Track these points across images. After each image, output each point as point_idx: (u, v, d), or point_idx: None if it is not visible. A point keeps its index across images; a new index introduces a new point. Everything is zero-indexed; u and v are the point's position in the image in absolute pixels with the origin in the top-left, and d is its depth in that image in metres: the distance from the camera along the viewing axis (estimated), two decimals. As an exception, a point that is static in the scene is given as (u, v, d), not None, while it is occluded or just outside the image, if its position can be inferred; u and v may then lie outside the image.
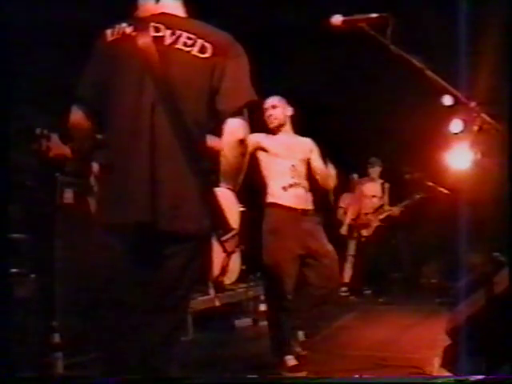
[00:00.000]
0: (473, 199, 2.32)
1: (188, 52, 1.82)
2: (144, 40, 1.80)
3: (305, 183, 3.68)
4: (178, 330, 1.91)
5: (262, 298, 5.65)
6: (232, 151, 1.86)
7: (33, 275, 3.16)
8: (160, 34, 1.83)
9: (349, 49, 5.33)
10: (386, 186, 6.99)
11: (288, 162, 3.62)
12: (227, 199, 1.88)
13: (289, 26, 5.57)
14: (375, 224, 6.76)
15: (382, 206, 6.64)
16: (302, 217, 3.58)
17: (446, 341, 2.60)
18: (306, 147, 3.78)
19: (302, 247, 3.54)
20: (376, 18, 1.78)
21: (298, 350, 3.63)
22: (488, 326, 2.17)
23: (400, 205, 6.54)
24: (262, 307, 5.54)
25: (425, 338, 4.25)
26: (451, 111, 5.53)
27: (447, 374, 2.65)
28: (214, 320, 4.69)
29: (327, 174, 3.78)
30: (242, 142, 1.87)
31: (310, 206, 3.67)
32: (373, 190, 6.93)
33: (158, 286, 1.81)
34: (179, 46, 1.82)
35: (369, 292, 6.90)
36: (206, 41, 1.83)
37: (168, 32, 1.83)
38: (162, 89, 1.78)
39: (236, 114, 1.85)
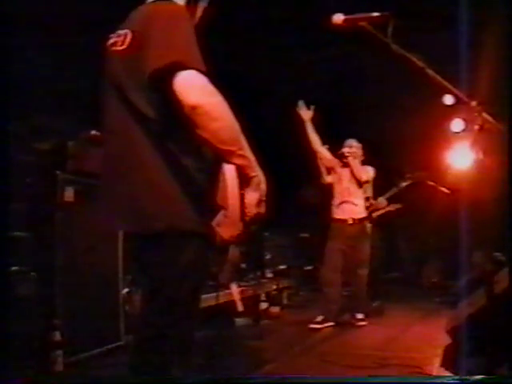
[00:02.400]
0: (474, 199, 2.32)
1: (116, 50, 1.76)
2: (104, 47, 1.83)
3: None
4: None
5: (263, 296, 5.67)
6: (197, 121, 1.60)
7: (33, 273, 3.16)
8: (111, 40, 1.81)
9: (349, 47, 5.34)
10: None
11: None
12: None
13: (288, 24, 5.57)
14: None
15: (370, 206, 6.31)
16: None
17: (446, 340, 2.60)
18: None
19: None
20: (377, 16, 1.78)
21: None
22: (488, 326, 2.16)
23: (384, 196, 6.21)
24: (263, 305, 5.54)
25: (425, 338, 4.26)
26: (452, 110, 5.54)
27: (447, 373, 2.65)
28: (214, 318, 4.70)
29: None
30: (194, 109, 1.58)
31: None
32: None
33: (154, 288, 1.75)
34: (114, 47, 1.78)
35: None
36: (128, 28, 1.74)
37: (114, 37, 1.81)
38: (118, 94, 1.73)
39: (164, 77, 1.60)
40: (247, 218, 1.71)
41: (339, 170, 5.38)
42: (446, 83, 1.78)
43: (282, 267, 6.78)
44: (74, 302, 3.41)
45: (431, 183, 6.39)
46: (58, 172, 3.39)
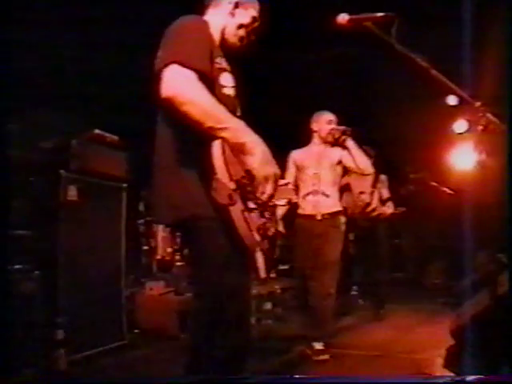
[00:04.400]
0: (477, 199, 2.31)
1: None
2: None
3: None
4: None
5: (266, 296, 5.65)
6: (174, 108, 1.70)
7: (37, 271, 3.17)
8: None
9: (351, 48, 5.33)
10: (383, 178, 5.96)
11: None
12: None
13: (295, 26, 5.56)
14: (363, 225, 6.00)
15: (368, 205, 5.78)
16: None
17: (449, 341, 2.60)
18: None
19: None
20: (381, 16, 1.78)
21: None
22: (491, 327, 2.16)
23: (388, 203, 6.05)
24: (268, 306, 5.53)
25: (428, 338, 4.25)
26: (455, 111, 5.53)
27: (450, 374, 2.65)
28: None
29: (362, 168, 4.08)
30: (168, 100, 1.69)
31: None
32: (360, 185, 5.81)
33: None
34: None
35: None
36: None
37: None
38: None
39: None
40: (258, 183, 1.73)
41: (303, 152, 4.23)
42: (450, 84, 1.78)
43: (284, 267, 6.77)
44: (78, 300, 3.42)
45: (434, 184, 6.37)
46: (61, 171, 3.40)
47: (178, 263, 5.07)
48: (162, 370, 3.33)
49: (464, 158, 5.30)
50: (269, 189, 1.72)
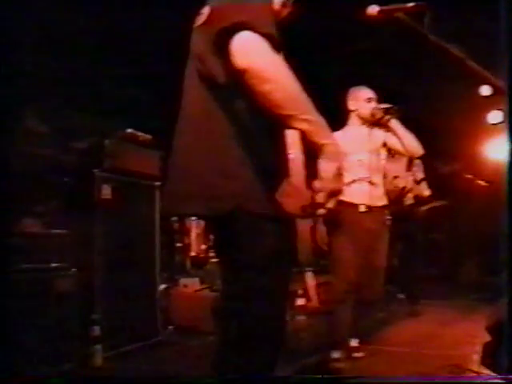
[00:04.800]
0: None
1: (197, 26, 1.67)
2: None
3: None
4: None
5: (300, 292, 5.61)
6: (251, 85, 1.47)
7: (73, 269, 3.23)
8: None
9: (383, 38, 5.24)
10: (417, 162, 5.61)
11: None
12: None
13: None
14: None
15: (403, 189, 5.46)
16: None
17: (485, 337, 2.55)
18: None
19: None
20: (413, 6, 1.72)
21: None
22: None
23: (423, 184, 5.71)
24: (300, 301, 5.48)
25: (463, 335, 4.18)
26: (490, 101, 5.40)
27: (487, 371, 2.59)
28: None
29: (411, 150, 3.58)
30: (245, 73, 1.47)
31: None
32: (394, 169, 5.36)
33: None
34: (196, 23, 1.68)
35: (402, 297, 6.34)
36: (208, 5, 1.64)
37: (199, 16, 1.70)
38: (197, 73, 1.65)
39: (224, 39, 1.50)
40: (322, 193, 1.49)
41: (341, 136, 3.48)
42: (485, 73, 1.73)
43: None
44: (113, 297, 3.47)
45: (469, 176, 6.23)
46: (95, 170, 3.45)
47: (213, 260, 5.10)
48: (196, 367, 3.35)
49: (499, 148, 5.18)
50: (330, 203, 1.51)
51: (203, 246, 5.11)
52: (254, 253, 1.57)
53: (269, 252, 1.57)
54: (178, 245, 5.25)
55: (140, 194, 3.90)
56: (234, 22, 1.48)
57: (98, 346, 3.25)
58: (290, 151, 1.47)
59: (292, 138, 1.48)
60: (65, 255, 3.20)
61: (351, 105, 3.62)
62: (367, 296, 3.50)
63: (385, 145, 3.63)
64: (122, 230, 3.66)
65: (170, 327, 4.31)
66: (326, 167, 1.49)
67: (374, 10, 1.85)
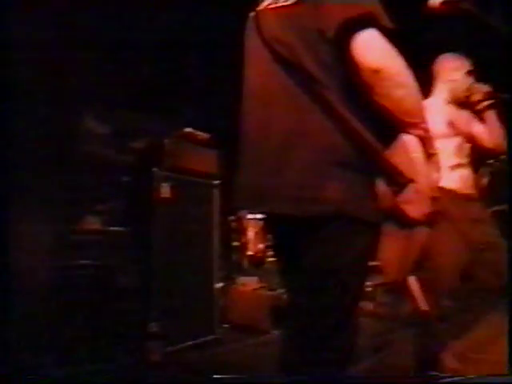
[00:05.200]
0: None
1: (276, 7, 1.57)
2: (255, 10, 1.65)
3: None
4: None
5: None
6: (379, 86, 1.40)
7: (132, 266, 3.28)
8: (265, 2, 1.62)
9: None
10: None
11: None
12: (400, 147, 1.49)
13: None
14: None
15: None
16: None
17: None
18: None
19: None
20: None
21: None
22: None
23: None
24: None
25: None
26: None
27: None
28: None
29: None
30: (376, 73, 1.38)
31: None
32: None
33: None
34: (271, 5, 1.58)
35: None
36: None
37: None
38: (276, 58, 1.54)
39: (348, 33, 1.38)
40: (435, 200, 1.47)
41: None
42: None
43: (374, 263, 6.54)
44: (171, 295, 3.51)
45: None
46: (154, 169, 3.50)
47: (270, 259, 5.08)
48: (253, 365, 3.34)
49: None
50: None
51: (261, 245, 5.09)
52: (343, 257, 1.47)
53: (359, 257, 1.50)
54: (236, 244, 5.26)
55: (198, 193, 3.92)
56: (359, 14, 1.37)
57: (156, 343, 3.30)
58: (413, 155, 1.45)
59: (413, 142, 1.46)
60: (124, 253, 3.26)
61: (442, 75, 3.08)
62: None
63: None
64: (180, 228, 3.69)
65: (227, 325, 4.33)
66: (429, 176, 1.48)
67: (435, 1, 1.75)
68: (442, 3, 1.72)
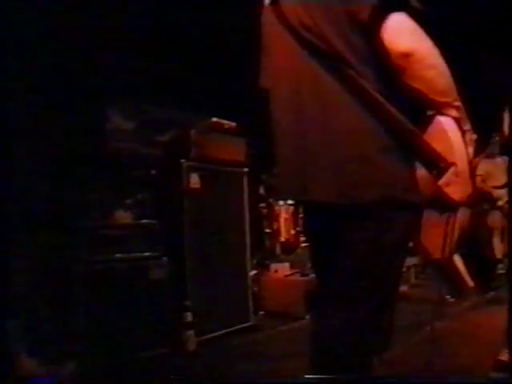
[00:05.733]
0: None
1: None
2: None
3: None
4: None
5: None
6: (412, 69, 1.41)
7: (165, 258, 3.33)
8: None
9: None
10: None
11: None
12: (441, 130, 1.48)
13: None
14: None
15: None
16: None
17: None
18: None
19: None
20: None
21: None
22: None
23: None
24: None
25: None
26: None
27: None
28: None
29: None
30: (407, 57, 1.39)
31: None
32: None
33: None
34: None
35: None
36: None
37: None
38: (304, 44, 1.51)
39: (379, 17, 1.39)
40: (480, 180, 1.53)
41: None
42: None
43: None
44: (205, 284, 3.56)
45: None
46: (182, 160, 3.52)
47: (303, 245, 5.07)
48: (288, 352, 3.35)
49: None
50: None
51: (292, 231, 5.09)
52: (390, 239, 1.48)
53: (404, 238, 1.54)
54: (267, 230, 5.27)
55: (228, 181, 3.94)
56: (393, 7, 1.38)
57: (191, 332, 3.35)
58: (451, 137, 1.46)
59: (449, 124, 1.47)
60: (156, 244, 3.30)
61: None
62: None
63: None
64: (211, 217, 3.72)
65: (261, 312, 4.36)
66: (468, 157, 1.48)
67: None
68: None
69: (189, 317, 3.36)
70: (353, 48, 1.45)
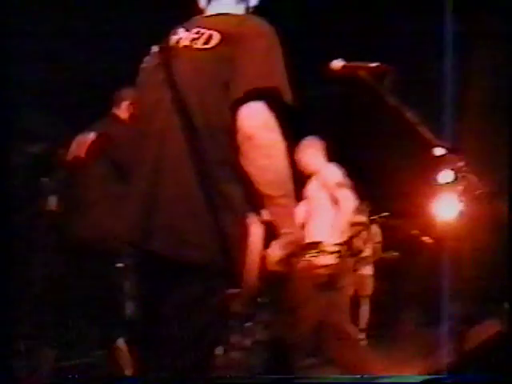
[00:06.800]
0: (458, 248, 2.35)
1: (192, 47, 1.59)
2: (163, 49, 1.68)
3: None
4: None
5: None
6: (248, 153, 1.47)
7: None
8: (177, 36, 1.66)
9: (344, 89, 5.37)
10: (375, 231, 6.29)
11: None
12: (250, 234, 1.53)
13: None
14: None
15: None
16: None
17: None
18: None
19: None
20: (376, 67, 1.76)
21: None
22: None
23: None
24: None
25: None
26: (440, 161, 5.60)
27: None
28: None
29: None
30: (248, 140, 1.47)
31: None
32: None
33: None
34: (186, 43, 1.61)
35: None
36: (215, 30, 1.56)
37: (185, 34, 1.64)
38: (172, 96, 1.57)
39: (245, 101, 1.46)
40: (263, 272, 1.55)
41: None
42: (434, 138, 1.77)
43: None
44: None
45: (415, 232, 6.40)
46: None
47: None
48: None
49: (447, 207, 5.36)
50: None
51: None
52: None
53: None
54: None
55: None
56: (265, 87, 1.48)
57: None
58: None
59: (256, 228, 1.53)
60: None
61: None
62: None
63: None
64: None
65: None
66: (274, 252, 1.53)
67: (338, 64, 1.86)
68: (343, 67, 1.84)
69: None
70: (212, 116, 1.52)
